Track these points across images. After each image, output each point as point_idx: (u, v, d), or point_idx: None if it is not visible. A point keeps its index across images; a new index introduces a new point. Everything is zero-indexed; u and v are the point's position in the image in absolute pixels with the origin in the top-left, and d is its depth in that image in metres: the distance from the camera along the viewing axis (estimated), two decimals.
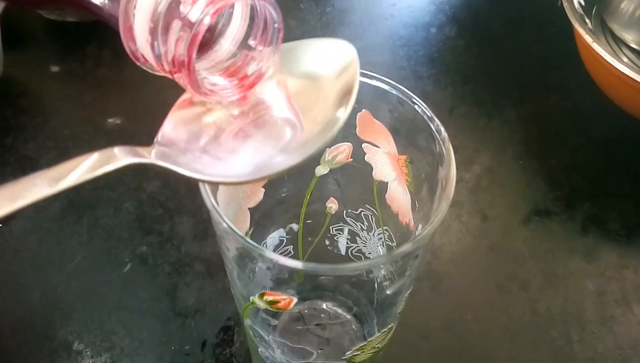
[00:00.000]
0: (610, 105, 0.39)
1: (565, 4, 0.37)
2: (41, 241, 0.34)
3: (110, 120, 0.39)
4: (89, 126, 0.39)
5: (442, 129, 0.18)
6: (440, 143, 0.19)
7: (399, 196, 0.22)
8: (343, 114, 0.17)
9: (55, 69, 0.43)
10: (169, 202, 0.35)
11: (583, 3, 0.38)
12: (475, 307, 0.32)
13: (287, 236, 0.26)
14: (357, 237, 0.27)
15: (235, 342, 0.30)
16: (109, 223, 0.34)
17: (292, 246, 0.27)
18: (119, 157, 0.16)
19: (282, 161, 0.17)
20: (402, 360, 0.29)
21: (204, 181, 0.17)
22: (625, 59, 0.40)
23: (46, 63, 0.43)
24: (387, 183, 0.23)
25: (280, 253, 0.26)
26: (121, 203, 0.35)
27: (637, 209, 0.36)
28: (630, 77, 0.33)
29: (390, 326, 0.21)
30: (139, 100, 0.41)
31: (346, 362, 0.22)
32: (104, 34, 0.45)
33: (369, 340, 0.21)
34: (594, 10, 0.41)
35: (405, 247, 0.16)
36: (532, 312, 0.31)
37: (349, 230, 0.27)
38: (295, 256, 0.27)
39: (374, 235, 0.26)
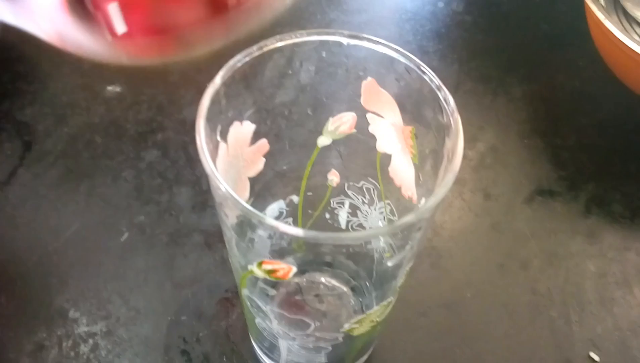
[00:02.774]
0: (618, 85, 0.38)
1: None
2: (38, 208, 0.33)
3: (109, 87, 0.39)
4: (88, 93, 0.38)
5: (450, 98, 0.18)
6: (448, 113, 0.18)
7: (403, 168, 0.22)
8: None
9: None
10: (168, 172, 0.35)
11: None
12: (475, 285, 0.31)
13: (287, 208, 0.26)
14: (358, 211, 0.26)
15: (232, 314, 0.30)
16: (107, 191, 0.34)
17: (291, 218, 0.26)
18: None
19: None
20: (400, 336, 0.29)
21: None
22: (637, 37, 0.39)
23: None
24: (391, 155, 0.22)
25: None
26: (119, 171, 0.35)
27: None
28: None
29: (389, 300, 0.21)
30: (139, 68, 0.40)
31: (344, 334, 0.22)
32: None
33: (367, 313, 0.21)
34: None
35: (408, 218, 0.16)
36: (532, 292, 0.31)
37: (350, 203, 0.26)
38: None
39: (375, 209, 0.25)
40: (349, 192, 0.25)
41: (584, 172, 0.36)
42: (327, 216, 0.27)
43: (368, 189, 0.25)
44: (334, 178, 0.25)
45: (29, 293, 0.30)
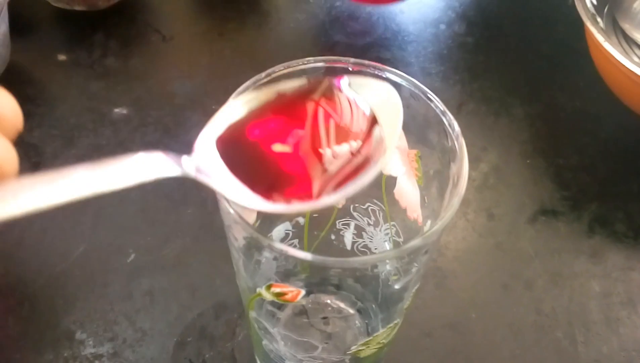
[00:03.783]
0: (619, 105, 0.38)
1: (577, 3, 0.36)
2: (45, 230, 0.33)
3: (116, 110, 0.39)
4: (95, 115, 0.39)
5: (455, 124, 0.18)
6: (453, 138, 0.18)
7: (408, 191, 0.22)
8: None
9: (62, 57, 0.42)
10: (175, 193, 0.35)
11: (595, 2, 0.38)
12: (479, 306, 0.31)
13: (293, 230, 0.26)
14: (363, 232, 0.26)
15: (238, 335, 0.30)
16: (114, 213, 0.34)
17: (297, 239, 0.27)
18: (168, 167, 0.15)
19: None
20: (405, 357, 0.29)
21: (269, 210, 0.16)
22: (636, 59, 0.40)
23: (53, 51, 0.43)
24: (396, 177, 0.23)
25: None
26: (126, 193, 0.35)
27: None
28: None
29: (396, 322, 0.21)
30: (146, 90, 0.40)
31: (350, 356, 0.22)
32: (111, 24, 0.44)
33: (373, 335, 0.21)
34: (605, 10, 0.41)
35: (415, 242, 0.16)
36: (537, 312, 0.31)
37: (355, 224, 0.26)
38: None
39: (380, 231, 0.25)
40: (355, 213, 0.26)
41: (587, 192, 0.36)
42: (333, 237, 0.27)
43: (373, 211, 0.25)
44: None
45: (36, 314, 0.30)
